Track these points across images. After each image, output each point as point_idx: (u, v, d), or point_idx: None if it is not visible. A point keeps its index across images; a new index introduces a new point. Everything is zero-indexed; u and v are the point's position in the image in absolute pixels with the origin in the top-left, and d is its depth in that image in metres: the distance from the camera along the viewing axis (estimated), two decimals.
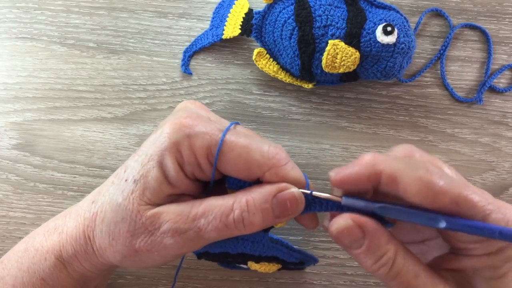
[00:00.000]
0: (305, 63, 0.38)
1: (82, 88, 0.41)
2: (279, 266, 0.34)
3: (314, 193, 0.28)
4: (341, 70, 0.37)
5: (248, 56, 0.42)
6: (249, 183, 0.28)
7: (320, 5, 0.37)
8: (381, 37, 0.36)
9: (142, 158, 0.27)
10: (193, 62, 0.42)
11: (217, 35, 0.41)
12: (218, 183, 0.29)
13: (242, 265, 0.35)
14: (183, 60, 0.41)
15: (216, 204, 0.27)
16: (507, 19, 0.43)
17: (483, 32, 0.42)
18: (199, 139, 0.27)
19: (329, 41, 0.36)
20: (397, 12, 0.38)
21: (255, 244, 0.30)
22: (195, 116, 0.28)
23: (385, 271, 0.26)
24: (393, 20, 0.37)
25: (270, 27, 0.39)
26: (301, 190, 0.28)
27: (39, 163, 0.41)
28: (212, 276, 0.40)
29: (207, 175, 0.28)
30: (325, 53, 0.37)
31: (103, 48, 0.42)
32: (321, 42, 0.37)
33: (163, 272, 0.40)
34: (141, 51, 0.42)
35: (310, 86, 0.40)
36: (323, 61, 0.37)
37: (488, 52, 0.42)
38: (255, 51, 0.40)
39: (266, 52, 0.40)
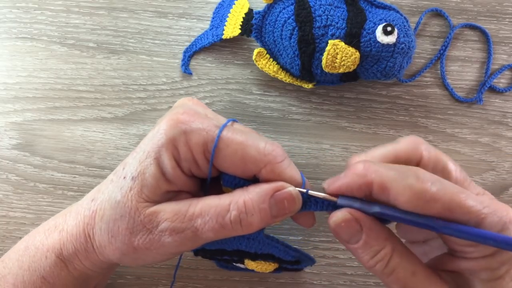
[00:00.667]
0: (305, 63, 0.38)
1: (82, 88, 0.41)
2: (276, 265, 0.34)
3: (310, 192, 0.28)
4: (341, 70, 0.37)
5: (248, 56, 0.42)
6: (244, 181, 0.28)
7: (320, 5, 0.37)
8: (381, 37, 0.36)
9: (140, 155, 0.27)
10: (193, 62, 0.42)
11: (217, 35, 0.41)
12: (216, 180, 0.29)
13: (239, 265, 0.35)
14: (183, 60, 0.41)
15: (213, 204, 0.27)
16: (507, 19, 0.43)
17: (483, 32, 0.42)
18: (196, 135, 0.27)
19: (329, 41, 0.36)
20: (397, 12, 0.38)
21: (250, 240, 0.30)
22: (192, 113, 0.28)
23: (381, 266, 0.26)
24: (393, 20, 0.37)
25: (270, 27, 0.39)
26: (297, 189, 0.28)
27: (39, 163, 0.41)
28: (212, 276, 0.40)
29: (204, 172, 0.28)
30: (325, 53, 0.37)
31: (103, 48, 0.42)
32: (321, 42, 0.37)
33: (163, 272, 0.40)
34: (141, 51, 0.42)
35: (310, 86, 0.40)
36: (323, 61, 0.37)
37: (488, 52, 0.42)
38: (255, 51, 0.40)
39: (266, 52, 0.40)
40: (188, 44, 0.42)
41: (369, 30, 0.37)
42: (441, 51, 0.42)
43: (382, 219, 0.27)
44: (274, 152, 0.27)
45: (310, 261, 0.34)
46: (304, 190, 0.28)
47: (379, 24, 0.36)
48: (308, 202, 0.28)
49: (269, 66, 0.40)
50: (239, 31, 0.40)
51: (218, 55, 0.42)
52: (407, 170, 0.25)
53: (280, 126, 0.41)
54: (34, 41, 0.42)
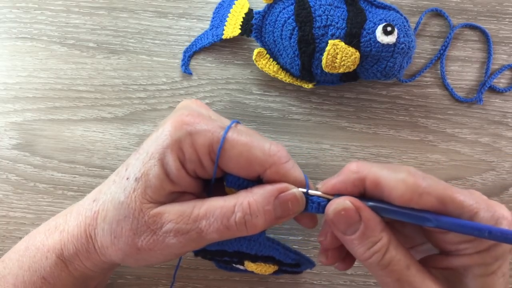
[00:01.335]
0: (305, 63, 0.38)
1: (82, 88, 0.41)
2: (276, 267, 0.34)
3: (310, 191, 0.28)
4: (341, 70, 0.37)
5: (248, 56, 0.42)
6: (247, 182, 0.28)
7: (320, 5, 0.37)
8: (381, 37, 0.36)
9: (143, 156, 0.27)
10: (193, 62, 0.42)
11: (217, 35, 0.41)
12: (219, 181, 0.29)
13: (239, 266, 0.35)
14: (183, 60, 0.41)
15: (218, 206, 0.27)
16: (507, 19, 0.43)
17: (483, 32, 0.42)
18: (201, 136, 0.27)
19: (329, 41, 0.36)
20: (397, 12, 0.38)
21: (251, 242, 0.30)
22: (196, 114, 0.28)
23: (378, 258, 0.26)
24: (393, 20, 0.37)
25: (270, 27, 0.39)
26: (300, 189, 0.28)
27: (39, 163, 0.41)
28: (212, 276, 0.40)
29: (209, 173, 0.28)
30: (325, 53, 0.37)
31: (103, 48, 0.42)
32: (321, 42, 0.37)
33: (163, 272, 0.40)
34: (141, 51, 0.42)
35: (310, 86, 0.40)
36: (323, 61, 0.37)
37: (488, 52, 0.42)
38: (255, 51, 0.40)
39: (266, 52, 0.40)
40: (188, 44, 0.42)
41: (369, 30, 0.37)
42: (441, 51, 0.42)
43: None
44: (279, 153, 0.27)
45: (310, 264, 0.34)
46: (304, 190, 0.28)
47: (379, 24, 0.36)
48: (310, 203, 0.28)
49: (269, 66, 0.40)
50: (239, 31, 0.40)
51: (218, 55, 0.42)
52: (399, 167, 0.26)
53: (280, 126, 0.41)
54: (34, 41, 0.42)
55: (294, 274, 0.38)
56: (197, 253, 0.33)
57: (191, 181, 0.28)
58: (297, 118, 0.42)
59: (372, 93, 0.42)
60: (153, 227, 0.27)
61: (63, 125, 0.41)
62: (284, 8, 0.38)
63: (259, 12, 0.39)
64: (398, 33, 0.36)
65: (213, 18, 0.42)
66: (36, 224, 0.37)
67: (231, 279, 0.40)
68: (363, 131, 0.42)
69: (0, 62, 0.42)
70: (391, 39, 0.36)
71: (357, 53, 0.37)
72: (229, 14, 0.41)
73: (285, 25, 0.38)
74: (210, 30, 0.42)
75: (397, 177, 0.25)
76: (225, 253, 0.32)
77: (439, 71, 0.42)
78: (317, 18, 0.37)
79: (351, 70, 0.37)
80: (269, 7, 0.39)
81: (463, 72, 0.42)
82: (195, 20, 0.43)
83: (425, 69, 0.42)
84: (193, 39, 0.42)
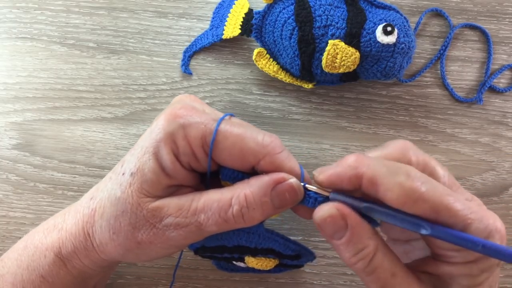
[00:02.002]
0: (305, 63, 0.38)
1: (82, 88, 0.41)
2: (276, 262, 0.34)
3: (307, 186, 0.28)
4: (341, 70, 0.37)
5: (248, 56, 0.42)
6: (242, 175, 0.28)
7: (320, 5, 0.37)
8: (381, 37, 0.36)
9: (138, 151, 0.27)
10: (193, 62, 0.42)
11: (217, 35, 0.41)
12: (217, 174, 0.29)
13: (239, 264, 0.35)
14: (183, 60, 0.41)
15: (215, 199, 0.27)
16: (507, 19, 0.43)
17: (483, 32, 0.42)
18: (194, 129, 0.27)
19: (329, 41, 0.36)
20: (397, 12, 0.38)
21: (250, 235, 0.30)
22: (189, 107, 0.28)
23: (363, 265, 0.26)
24: (393, 20, 0.37)
25: (270, 27, 0.39)
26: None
27: (39, 163, 0.41)
28: (212, 276, 0.40)
29: (203, 165, 0.28)
30: (325, 53, 0.37)
31: (103, 48, 0.42)
32: (321, 42, 0.37)
33: (163, 272, 0.40)
34: (141, 51, 0.42)
35: (310, 86, 0.40)
36: (323, 61, 0.37)
37: (488, 52, 0.42)
38: (255, 51, 0.40)
39: (266, 52, 0.40)
40: (188, 44, 0.42)
41: (369, 30, 0.37)
42: (441, 51, 0.42)
43: (372, 220, 0.27)
44: (272, 144, 0.27)
45: (311, 255, 0.34)
46: (302, 184, 0.28)
47: (379, 24, 0.36)
48: (306, 198, 0.28)
49: (269, 66, 0.40)
50: (239, 31, 0.40)
51: (218, 55, 0.42)
52: (398, 167, 0.25)
53: (280, 126, 0.41)
54: (34, 41, 0.42)
55: (295, 268, 0.38)
56: (196, 251, 0.33)
57: (187, 174, 0.28)
58: (297, 118, 0.42)
59: (372, 93, 0.42)
60: (152, 221, 0.27)
61: (63, 125, 0.41)
62: (284, 8, 0.38)
63: (259, 12, 0.39)
64: (398, 33, 0.36)
65: (213, 18, 0.42)
66: (36, 224, 0.37)
67: (231, 279, 0.40)
68: (363, 131, 0.42)
69: (0, 62, 0.42)
70: (391, 39, 0.36)
71: (357, 53, 0.37)
72: (229, 14, 0.41)
73: (285, 25, 0.38)
74: (210, 30, 0.42)
75: (395, 179, 0.24)
76: (225, 248, 0.32)
77: (439, 71, 0.42)
78: (317, 18, 0.37)
79: (351, 70, 0.37)
80: (269, 7, 0.39)
81: (463, 72, 0.42)
82: (195, 20, 0.43)
83: (425, 69, 0.42)
84: (193, 39, 0.42)
